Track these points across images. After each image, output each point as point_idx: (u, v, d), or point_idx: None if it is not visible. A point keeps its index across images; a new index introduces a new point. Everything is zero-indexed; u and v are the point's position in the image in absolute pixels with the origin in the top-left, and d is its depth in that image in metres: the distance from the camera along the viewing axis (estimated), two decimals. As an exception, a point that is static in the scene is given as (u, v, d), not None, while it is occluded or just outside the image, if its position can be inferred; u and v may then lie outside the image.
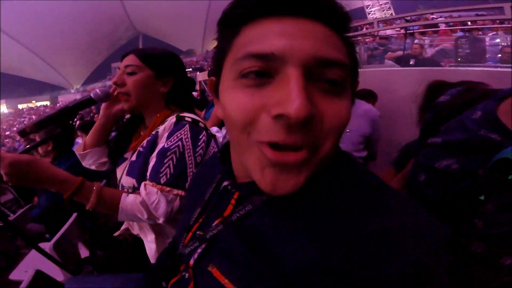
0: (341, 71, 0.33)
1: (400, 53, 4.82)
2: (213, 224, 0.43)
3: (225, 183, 0.46)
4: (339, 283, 0.30)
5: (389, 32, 5.72)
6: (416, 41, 4.56)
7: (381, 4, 25.97)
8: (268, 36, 0.32)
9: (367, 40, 5.59)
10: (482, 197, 0.65)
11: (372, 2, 26.20)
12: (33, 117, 27.84)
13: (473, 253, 0.68)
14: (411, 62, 3.76)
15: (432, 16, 6.31)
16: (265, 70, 0.32)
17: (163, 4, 25.98)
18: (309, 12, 0.33)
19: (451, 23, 5.49)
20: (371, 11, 26.40)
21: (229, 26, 0.37)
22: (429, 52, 5.21)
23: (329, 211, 0.34)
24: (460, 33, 4.75)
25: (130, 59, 0.93)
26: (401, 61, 3.98)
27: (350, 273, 0.29)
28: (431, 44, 5.27)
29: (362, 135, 1.75)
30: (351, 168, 0.39)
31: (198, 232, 0.46)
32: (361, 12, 27.11)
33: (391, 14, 24.55)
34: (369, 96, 2.34)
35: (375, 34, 5.06)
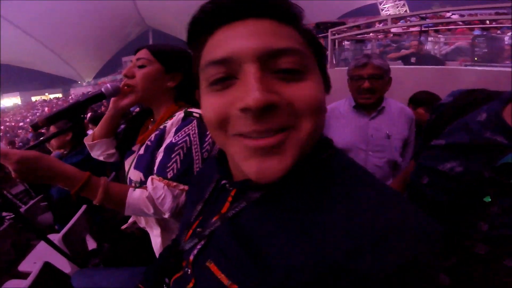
0: (294, 57, 0.35)
1: (404, 51, 4.71)
2: (211, 221, 0.45)
3: (223, 182, 0.48)
4: (330, 280, 0.30)
5: (395, 30, 5.59)
6: (421, 38, 4.44)
7: (395, 1, 25.44)
8: (222, 42, 0.36)
9: (379, 36, 5.49)
10: (487, 199, 0.65)
11: (386, -1, 25.69)
12: (46, 109, 28.48)
13: (476, 254, 0.68)
14: (412, 60, 3.66)
15: (448, 14, 6.13)
16: (228, 74, 0.35)
17: (172, 2, 26.08)
18: (254, 12, 0.36)
19: (467, 21, 5.33)
20: (385, 7, 25.89)
21: (195, 42, 0.41)
22: (444, 50, 5.08)
23: (320, 208, 0.35)
24: (477, 32, 4.61)
25: (142, 53, 0.95)
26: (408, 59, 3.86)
27: (341, 270, 0.30)
28: (446, 42, 5.13)
29: (402, 139, 1.44)
30: (343, 164, 0.40)
31: (197, 229, 0.47)
32: (373, 8, 26.63)
33: (406, 11, 24.01)
34: (428, 101, 1.98)
35: (388, 31, 4.96)
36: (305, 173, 0.38)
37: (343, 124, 1.48)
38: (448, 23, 5.02)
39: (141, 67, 0.94)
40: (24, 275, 1.56)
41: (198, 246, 0.45)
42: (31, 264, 1.68)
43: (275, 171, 0.34)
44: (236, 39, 0.35)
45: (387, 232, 0.30)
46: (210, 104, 0.37)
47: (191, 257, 0.46)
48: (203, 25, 0.39)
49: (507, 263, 0.65)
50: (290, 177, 0.36)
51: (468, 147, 0.69)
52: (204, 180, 0.57)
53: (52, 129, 1.66)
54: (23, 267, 1.69)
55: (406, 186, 0.89)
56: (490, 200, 0.65)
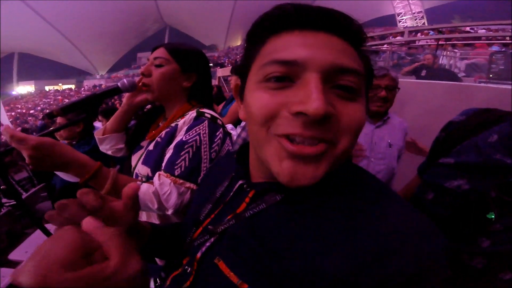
0: (355, 78, 0.36)
1: (416, 64, 4.64)
2: (225, 220, 0.45)
3: (241, 182, 0.48)
4: (352, 285, 0.32)
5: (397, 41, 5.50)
6: (437, 52, 4.36)
7: (414, 13, 25.24)
8: (292, 46, 0.37)
9: (393, 48, 5.42)
10: (491, 216, 0.67)
11: (405, 10, 25.52)
12: (59, 97, 29.14)
13: (473, 268, 0.70)
14: (422, 74, 3.59)
15: (467, 28, 6.03)
16: (286, 75, 0.36)
17: (192, 1, 26.55)
18: (327, 27, 0.38)
19: (486, 37, 5.23)
20: (403, 19, 25.70)
21: (257, 37, 0.42)
22: (460, 65, 5.00)
23: (340, 215, 0.37)
24: (495, 48, 4.51)
25: (160, 52, 0.96)
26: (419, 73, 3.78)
27: (354, 278, 0.32)
28: (463, 57, 5.05)
29: (399, 149, 1.58)
30: (360, 175, 0.43)
31: (209, 227, 0.47)
32: (391, 20, 26.48)
33: (424, 23, 23.77)
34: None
35: (404, 43, 4.90)
36: (328, 183, 0.39)
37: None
38: (465, 38, 4.93)
39: (158, 66, 0.95)
40: (14, 264, 1.56)
41: (207, 244, 0.45)
42: (23, 253, 1.68)
43: (307, 178, 0.35)
44: (308, 47, 0.36)
45: (405, 241, 0.32)
46: (260, 99, 0.37)
47: (199, 254, 0.45)
48: (274, 23, 0.39)
49: (503, 276, 0.67)
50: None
51: (477, 167, 0.70)
52: (215, 179, 0.57)
53: (60, 120, 1.67)
54: (14, 255, 1.67)
55: (410, 199, 0.88)
56: (493, 217, 0.66)
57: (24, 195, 2.03)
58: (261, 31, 0.41)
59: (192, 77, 0.99)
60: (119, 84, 0.99)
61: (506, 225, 0.66)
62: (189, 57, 0.98)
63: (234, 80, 2.28)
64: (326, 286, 0.33)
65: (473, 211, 0.69)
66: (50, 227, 1.23)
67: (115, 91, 0.99)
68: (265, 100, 0.37)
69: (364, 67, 0.40)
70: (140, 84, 0.99)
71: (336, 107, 0.35)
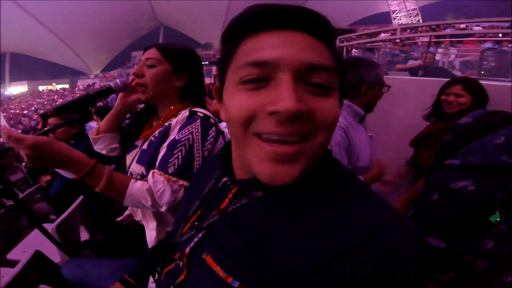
0: (325, 74, 0.38)
1: (413, 63, 4.67)
2: (210, 215, 0.47)
3: (225, 179, 0.50)
4: (313, 280, 0.34)
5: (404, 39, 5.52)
6: (431, 49, 4.38)
7: (409, 10, 25.29)
8: (263, 47, 0.38)
9: (388, 46, 5.44)
10: (494, 218, 0.67)
11: (399, 7, 25.56)
12: (55, 96, 28.79)
13: (475, 269, 0.71)
14: (419, 74, 3.62)
15: (461, 26, 6.07)
16: (261, 77, 0.37)
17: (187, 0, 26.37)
18: (295, 25, 0.39)
19: (478, 34, 5.27)
20: (397, 16, 25.76)
21: (231, 40, 0.43)
22: (455, 63, 5.03)
23: (318, 212, 0.38)
24: (488, 44, 4.55)
25: (152, 53, 0.98)
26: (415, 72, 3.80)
27: (333, 268, 0.33)
28: (457, 54, 5.09)
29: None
30: (337, 171, 0.44)
31: (195, 223, 0.50)
32: (386, 17, 26.53)
33: (418, 20, 23.87)
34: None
35: (397, 40, 4.93)
36: (307, 178, 0.40)
37: (363, 138, 1.32)
38: (459, 35, 4.97)
39: (150, 66, 0.97)
40: (12, 264, 1.56)
41: (195, 239, 0.47)
42: (20, 253, 1.68)
43: (287, 177, 0.37)
44: (278, 47, 0.37)
45: (370, 235, 0.34)
46: (238, 101, 0.39)
47: (187, 249, 0.47)
48: (245, 25, 0.40)
49: (505, 278, 0.68)
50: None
51: (483, 168, 0.71)
52: (203, 177, 0.59)
53: (54, 120, 1.68)
54: (12, 255, 1.67)
55: (413, 201, 0.90)
56: (498, 220, 0.67)
57: (20, 195, 2.03)
58: (234, 34, 0.42)
59: (184, 77, 1.01)
60: (112, 84, 1.01)
61: (511, 226, 0.67)
62: (181, 57, 0.99)
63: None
64: (300, 279, 0.34)
65: (477, 212, 0.70)
66: (47, 227, 1.23)
67: (108, 91, 1.01)
68: (242, 102, 0.38)
69: (335, 62, 0.41)
70: (134, 84, 1.00)
71: (309, 103, 0.36)
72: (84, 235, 1.51)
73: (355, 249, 0.33)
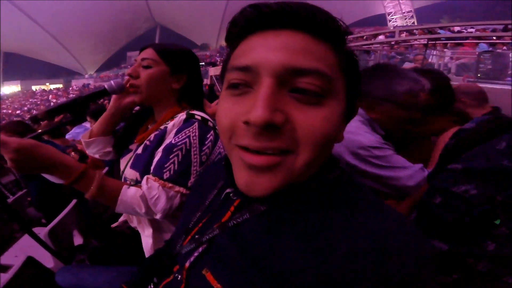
0: (316, 79, 0.33)
1: (409, 65, 4.70)
2: (211, 228, 0.44)
3: (228, 190, 0.47)
4: None
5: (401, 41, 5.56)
6: (426, 51, 4.43)
7: (404, 13, 25.59)
8: (250, 50, 0.36)
9: (385, 48, 5.48)
10: (497, 222, 0.69)
11: (395, 9, 25.84)
12: (50, 96, 28.56)
13: (478, 271, 0.71)
14: None
15: (456, 28, 6.15)
16: (245, 82, 0.35)
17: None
18: (293, 25, 0.35)
19: (472, 36, 5.33)
20: (393, 18, 26.04)
21: (230, 41, 0.41)
22: (450, 65, 5.08)
23: (324, 227, 0.35)
24: (483, 46, 4.60)
25: (148, 53, 0.93)
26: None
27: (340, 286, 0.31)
28: (452, 57, 5.14)
29: None
30: (350, 185, 0.41)
31: (196, 236, 0.47)
32: (382, 19, 26.79)
33: (413, 22, 24.13)
34: None
35: (393, 42, 4.96)
36: (312, 191, 0.38)
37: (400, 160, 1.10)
38: (454, 38, 5.02)
39: (146, 67, 0.92)
40: (4, 268, 1.52)
41: (195, 254, 0.44)
42: (13, 257, 1.63)
43: (262, 188, 0.34)
44: (262, 50, 0.35)
45: (384, 258, 0.31)
46: (223, 110, 0.37)
47: (187, 264, 0.45)
48: (239, 28, 0.39)
49: (507, 279, 0.69)
50: (297, 193, 0.38)
51: (484, 172, 0.72)
52: (206, 186, 0.56)
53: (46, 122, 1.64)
54: (4, 260, 1.62)
55: (417, 204, 0.89)
56: (500, 222, 0.68)
57: (11, 198, 1.98)
58: (231, 37, 0.41)
59: (182, 79, 0.97)
60: (106, 86, 0.97)
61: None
62: (178, 58, 0.95)
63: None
64: None
65: (479, 215, 0.71)
66: (40, 230, 1.20)
67: (102, 94, 0.96)
68: (225, 110, 0.37)
69: (341, 66, 0.37)
70: (128, 85, 0.95)
71: (290, 113, 0.33)
72: (78, 239, 1.48)
73: (364, 273, 0.31)
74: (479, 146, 0.76)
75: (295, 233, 0.36)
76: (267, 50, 0.34)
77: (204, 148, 0.87)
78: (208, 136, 0.88)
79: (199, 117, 0.90)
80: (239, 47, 0.39)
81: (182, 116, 0.92)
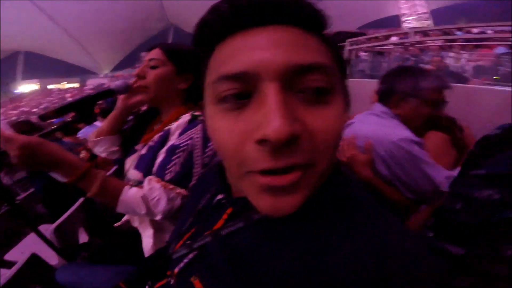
0: (323, 75, 0.30)
1: (427, 67, 4.58)
2: (203, 235, 0.43)
3: (219, 197, 0.45)
4: None
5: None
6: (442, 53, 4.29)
7: (419, 14, 25.05)
8: (238, 53, 0.30)
9: (398, 49, 5.36)
10: None
11: (410, 11, 25.34)
12: (68, 95, 29.41)
13: (495, 275, 0.70)
14: None
15: (474, 30, 5.96)
16: (242, 91, 0.30)
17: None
18: (275, 18, 0.31)
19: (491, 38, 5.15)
20: (407, 20, 25.52)
21: (201, 48, 0.36)
22: (467, 67, 4.94)
23: (320, 238, 0.33)
24: (501, 49, 4.44)
25: (155, 53, 0.94)
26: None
27: None
28: (470, 59, 4.98)
29: None
30: (344, 192, 0.38)
31: (187, 241, 0.46)
32: (395, 21, 26.31)
33: (429, 25, 23.60)
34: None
35: (408, 44, 4.84)
36: (311, 200, 0.34)
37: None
38: (471, 40, 4.86)
39: (153, 67, 0.93)
40: (10, 265, 1.56)
41: (185, 260, 0.43)
42: (19, 254, 1.66)
43: (288, 208, 0.30)
44: (256, 51, 0.30)
45: (387, 275, 0.29)
46: (222, 131, 0.31)
47: (176, 270, 0.44)
48: (215, 29, 0.33)
49: None
50: None
51: (508, 178, 0.71)
52: (201, 190, 0.54)
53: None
54: (9, 256, 1.66)
55: (435, 210, 0.88)
56: None
57: (22, 195, 2.03)
58: (203, 41, 0.35)
59: (188, 79, 0.96)
60: (112, 86, 0.98)
61: None
62: (185, 58, 0.95)
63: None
64: None
65: (500, 219, 0.70)
66: (47, 227, 1.21)
67: (109, 93, 0.97)
68: (226, 132, 0.31)
69: (334, 57, 0.34)
70: (136, 86, 0.96)
71: (305, 118, 0.29)
72: (84, 237, 1.49)
73: (362, 282, 0.29)
74: (504, 152, 0.75)
75: (290, 245, 0.34)
76: (262, 50, 0.29)
77: (207, 150, 0.86)
78: None
79: (203, 119, 0.89)
80: (219, 52, 0.33)
81: (186, 117, 0.92)
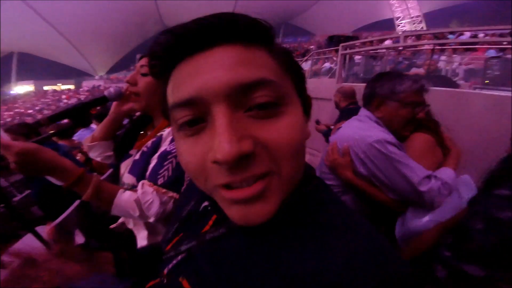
0: (268, 89, 0.31)
1: (416, 70, 4.64)
2: (189, 239, 0.45)
3: (205, 204, 0.47)
4: None
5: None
6: (434, 57, 4.36)
7: (413, 17, 25.31)
8: (185, 80, 0.32)
9: (391, 53, 5.44)
10: None
11: (403, 14, 25.59)
12: (64, 96, 29.16)
13: None
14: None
15: (466, 33, 6.07)
16: (196, 117, 0.32)
17: (193, 2, 26.60)
18: (220, 38, 0.32)
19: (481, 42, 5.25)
20: (401, 23, 25.78)
21: (157, 77, 0.37)
22: (458, 71, 5.01)
23: (294, 245, 0.34)
24: (492, 52, 4.52)
25: (147, 60, 0.95)
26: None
27: None
28: (461, 62, 5.07)
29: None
30: (322, 198, 0.39)
31: (176, 245, 0.48)
32: (389, 24, 26.58)
33: (422, 27, 23.86)
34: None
35: (400, 48, 4.92)
36: (288, 206, 0.36)
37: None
38: (462, 43, 4.95)
39: (144, 75, 0.95)
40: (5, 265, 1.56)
41: (174, 261, 0.45)
42: (13, 255, 1.67)
43: (259, 216, 0.32)
44: (199, 75, 0.31)
45: (358, 280, 0.29)
46: (184, 154, 0.34)
47: (166, 270, 0.46)
48: (163, 59, 0.35)
49: None
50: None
51: None
52: (187, 196, 0.56)
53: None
54: (5, 257, 1.67)
55: (452, 229, 0.89)
56: None
57: (18, 197, 2.04)
58: (156, 71, 0.37)
59: None
60: (105, 93, 1.00)
61: None
62: None
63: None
64: None
65: None
66: (42, 229, 1.22)
67: (102, 100, 0.99)
68: (187, 154, 0.33)
69: (283, 67, 0.35)
70: (127, 92, 0.98)
71: (257, 134, 0.31)
72: (79, 240, 1.50)
73: (313, 280, 0.30)
74: None
75: (268, 252, 0.35)
76: (205, 74, 0.31)
77: None
78: None
79: None
80: (172, 80, 0.34)
81: None
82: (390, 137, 1.08)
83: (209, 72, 0.31)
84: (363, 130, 1.14)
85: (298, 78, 0.37)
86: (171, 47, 0.33)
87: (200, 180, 0.34)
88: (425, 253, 0.95)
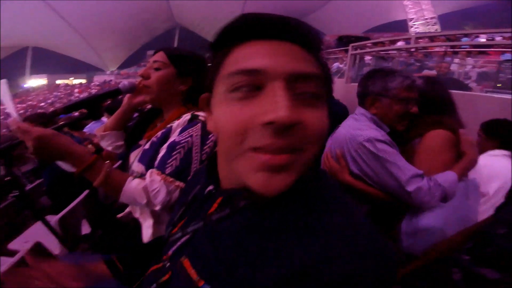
0: (317, 83, 0.39)
1: (427, 72, 4.57)
2: (193, 222, 0.48)
3: (210, 188, 0.50)
4: None
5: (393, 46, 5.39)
6: (447, 59, 4.27)
7: (427, 19, 24.80)
8: (255, 55, 0.38)
9: (403, 54, 5.35)
10: None
11: (417, 16, 25.11)
12: (76, 90, 29.73)
13: None
14: None
15: (481, 36, 5.93)
16: (251, 84, 0.37)
17: (203, 1, 26.77)
18: (285, 36, 0.39)
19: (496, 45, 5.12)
20: (414, 24, 25.32)
21: (220, 48, 0.43)
22: (471, 73, 4.91)
23: (292, 227, 0.37)
24: (507, 55, 4.42)
25: (159, 56, 1.02)
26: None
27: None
28: (474, 65, 4.96)
29: None
30: (321, 185, 0.44)
31: (182, 227, 0.51)
32: (402, 25, 26.12)
33: (436, 30, 23.40)
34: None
35: (412, 49, 4.84)
36: (290, 191, 0.39)
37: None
38: (476, 46, 4.84)
39: (157, 69, 1.01)
40: (12, 254, 1.60)
41: (178, 243, 0.48)
42: (22, 243, 1.69)
43: (280, 186, 0.36)
44: (269, 56, 0.37)
45: (353, 273, 0.32)
46: (230, 113, 0.38)
47: (170, 252, 0.49)
48: (236, 34, 0.41)
49: None
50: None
51: None
52: (193, 183, 0.60)
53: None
54: (13, 245, 1.71)
55: (474, 233, 0.90)
56: None
57: (29, 186, 2.10)
58: (224, 42, 0.42)
59: (188, 81, 1.04)
60: (120, 86, 1.06)
61: None
62: (186, 62, 1.03)
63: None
64: None
65: None
66: (50, 218, 1.26)
67: (116, 93, 1.05)
68: (234, 113, 0.37)
69: (323, 73, 0.41)
70: (140, 85, 1.04)
71: (301, 114, 0.36)
72: (85, 229, 1.54)
73: (315, 268, 0.32)
74: None
75: (266, 232, 0.38)
76: (274, 57, 0.37)
77: (205, 147, 0.93)
78: (210, 136, 0.94)
79: (202, 118, 0.96)
80: (236, 53, 0.40)
81: (187, 116, 0.99)
82: (381, 134, 1.10)
83: (279, 55, 0.37)
84: (355, 129, 1.16)
85: (329, 84, 0.44)
86: (251, 26, 0.40)
87: (235, 141, 0.37)
88: (439, 257, 0.96)
